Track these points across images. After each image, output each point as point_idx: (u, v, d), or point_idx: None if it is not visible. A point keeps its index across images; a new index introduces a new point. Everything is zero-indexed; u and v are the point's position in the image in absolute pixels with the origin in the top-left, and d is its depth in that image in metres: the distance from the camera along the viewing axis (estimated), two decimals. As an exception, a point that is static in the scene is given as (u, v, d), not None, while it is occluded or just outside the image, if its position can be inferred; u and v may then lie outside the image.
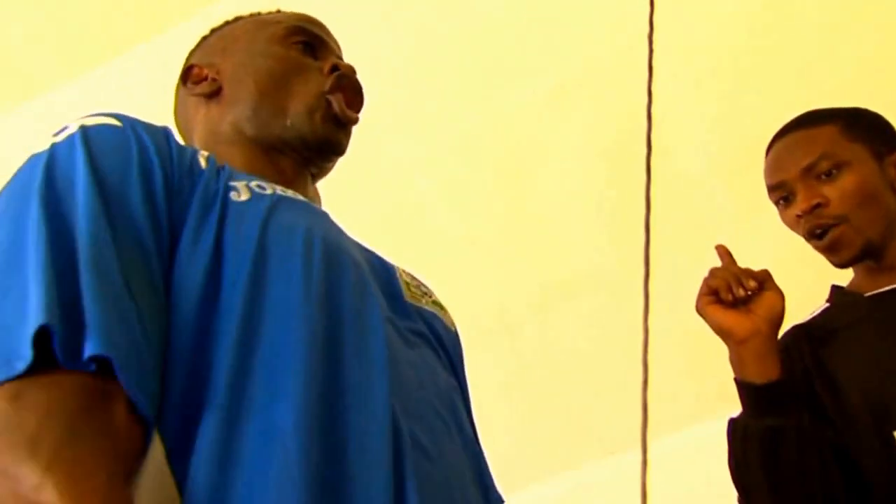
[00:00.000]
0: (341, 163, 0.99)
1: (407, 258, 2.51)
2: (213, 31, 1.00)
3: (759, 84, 2.27)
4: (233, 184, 0.77)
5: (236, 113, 0.90)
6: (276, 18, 0.96)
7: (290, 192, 0.82)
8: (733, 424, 1.12)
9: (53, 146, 0.71)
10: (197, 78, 0.94)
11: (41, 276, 0.61)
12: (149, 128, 0.77)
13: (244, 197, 0.76)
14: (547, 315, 2.59)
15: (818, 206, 1.17)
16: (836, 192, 1.17)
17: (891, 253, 1.18)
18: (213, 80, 0.93)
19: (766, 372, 1.06)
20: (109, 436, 0.58)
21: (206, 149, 0.87)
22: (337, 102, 0.90)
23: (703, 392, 2.45)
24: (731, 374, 1.11)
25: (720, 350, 1.12)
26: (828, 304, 1.26)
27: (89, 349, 0.58)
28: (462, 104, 2.36)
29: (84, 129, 0.73)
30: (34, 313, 0.58)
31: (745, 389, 1.08)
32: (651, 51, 1.01)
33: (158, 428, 0.63)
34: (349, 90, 0.91)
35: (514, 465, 2.69)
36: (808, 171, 1.19)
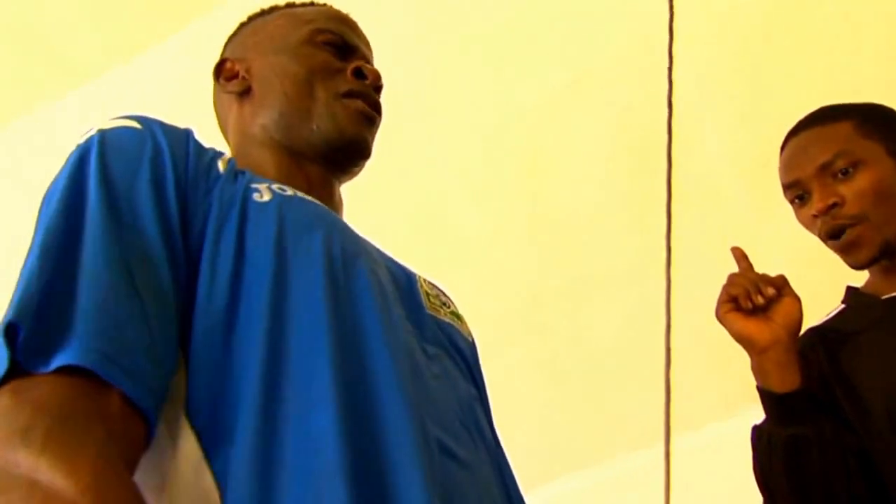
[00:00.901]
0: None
1: (430, 255, 2.53)
2: (250, 19, 1.02)
3: (781, 77, 2.25)
4: (254, 186, 0.79)
5: (265, 115, 0.92)
6: (309, 16, 0.98)
7: (309, 197, 0.83)
8: (757, 432, 1.11)
9: (75, 150, 0.74)
10: (229, 73, 0.97)
11: (31, 279, 0.63)
12: (168, 130, 0.78)
13: (266, 197, 0.78)
14: (572, 309, 2.58)
15: (834, 205, 1.15)
16: (853, 192, 1.15)
17: None
18: (244, 78, 0.95)
19: (787, 381, 1.06)
20: (102, 421, 0.59)
21: (238, 147, 0.94)
22: (357, 104, 0.92)
23: (729, 389, 2.43)
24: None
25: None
26: (843, 306, 1.24)
27: (62, 359, 0.59)
28: (483, 98, 2.35)
29: (102, 134, 0.75)
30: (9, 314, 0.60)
31: (768, 398, 1.07)
32: (671, 39, 1.01)
33: (193, 428, 0.65)
34: (367, 102, 0.93)
35: (542, 459, 2.69)
36: (824, 170, 1.17)
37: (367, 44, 1.01)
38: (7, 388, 0.58)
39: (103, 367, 0.59)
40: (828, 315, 1.25)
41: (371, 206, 0.97)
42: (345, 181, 0.96)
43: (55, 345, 0.60)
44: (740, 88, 2.33)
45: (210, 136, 0.89)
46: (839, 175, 1.16)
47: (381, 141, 1.02)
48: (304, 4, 1.02)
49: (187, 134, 0.80)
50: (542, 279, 2.59)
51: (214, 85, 0.99)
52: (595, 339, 2.60)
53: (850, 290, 1.24)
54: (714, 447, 2.44)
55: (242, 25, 1.02)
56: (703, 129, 2.38)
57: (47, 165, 0.77)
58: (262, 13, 1.01)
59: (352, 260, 0.76)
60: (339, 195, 0.96)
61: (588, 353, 2.61)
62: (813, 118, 1.24)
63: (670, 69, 1.15)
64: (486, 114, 2.38)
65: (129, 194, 0.71)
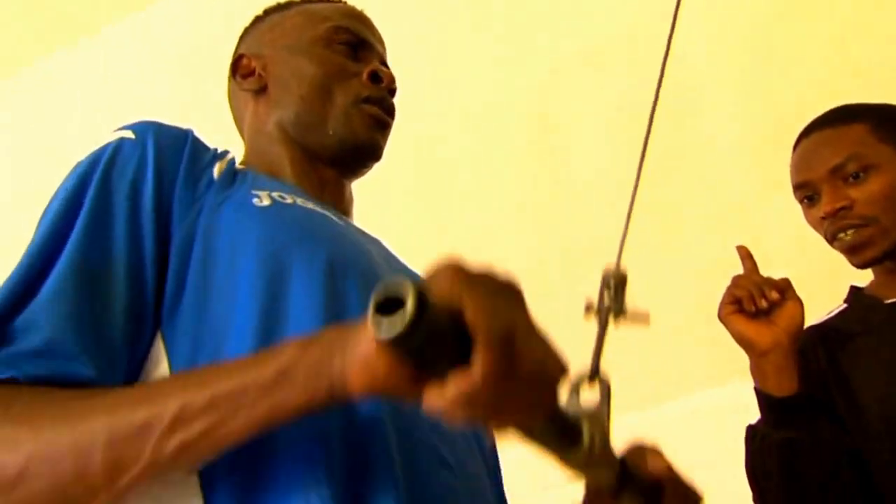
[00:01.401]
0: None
1: (435, 221, 2.53)
2: (266, 13, 1.02)
3: (792, 50, 2.23)
4: (255, 192, 0.79)
5: (281, 115, 0.94)
6: (325, 13, 0.99)
7: (310, 204, 0.84)
8: (752, 431, 1.12)
9: (84, 160, 0.77)
10: (245, 70, 0.98)
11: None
12: (161, 140, 0.78)
13: (265, 203, 0.79)
14: (573, 275, 2.59)
15: (843, 209, 1.15)
16: (863, 195, 1.15)
17: None
18: (260, 76, 0.97)
19: (785, 385, 1.07)
20: None
21: (253, 142, 0.96)
22: (372, 109, 0.94)
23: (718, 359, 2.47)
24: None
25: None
26: (845, 305, 1.25)
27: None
28: (492, 68, 2.34)
29: (118, 144, 0.77)
30: None
31: (765, 400, 1.09)
32: (677, 7, 1.01)
33: None
34: (382, 107, 0.95)
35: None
36: (835, 172, 1.17)
37: (381, 40, 1.03)
38: None
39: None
40: (829, 313, 1.26)
41: (377, 171, 0.98)
42: (354, 180, 0.98)
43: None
44: (750, 61, 2.31)
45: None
46: (850, 178, 1.16)
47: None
48: (321, 0, 1.03)
49: (185, 138, 0.81)
50: (545, 244, 2.59)
51: (230, 81, 1.00)
52: (574, 305, 2.60)
53: (853, 290, 1.25)
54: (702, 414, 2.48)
55: (258, 20, 1.02)
56: (708, 99, 2.37)
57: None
58: (279, 7, 1.02)
59: (341, 275, 0.75)
60: (350, 192, 0.98)
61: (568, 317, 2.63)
62: (827, 119, 1.24)
63: (670, 38, 1.15)
64: (495, 83, 2.36)
65: (110, 208, 0.73)
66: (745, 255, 1.14)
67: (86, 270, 0.68)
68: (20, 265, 0.68)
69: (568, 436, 0.63)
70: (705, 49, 2.24)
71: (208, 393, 0.58)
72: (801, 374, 1.09)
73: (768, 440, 1.08)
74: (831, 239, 1.18)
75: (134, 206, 0.73)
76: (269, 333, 0.68)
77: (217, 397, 0.57)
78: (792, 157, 1.26)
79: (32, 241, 0.71)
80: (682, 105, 2.29)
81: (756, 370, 1.09)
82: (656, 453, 0.77)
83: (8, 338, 0.64)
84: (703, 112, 2.33)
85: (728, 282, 2.39)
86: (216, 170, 0.81)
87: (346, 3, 1.05)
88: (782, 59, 2.24)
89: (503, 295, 0.53)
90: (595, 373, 0.79)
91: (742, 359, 1.12)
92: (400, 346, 0.49)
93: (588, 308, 0.85)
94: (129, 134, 0.78)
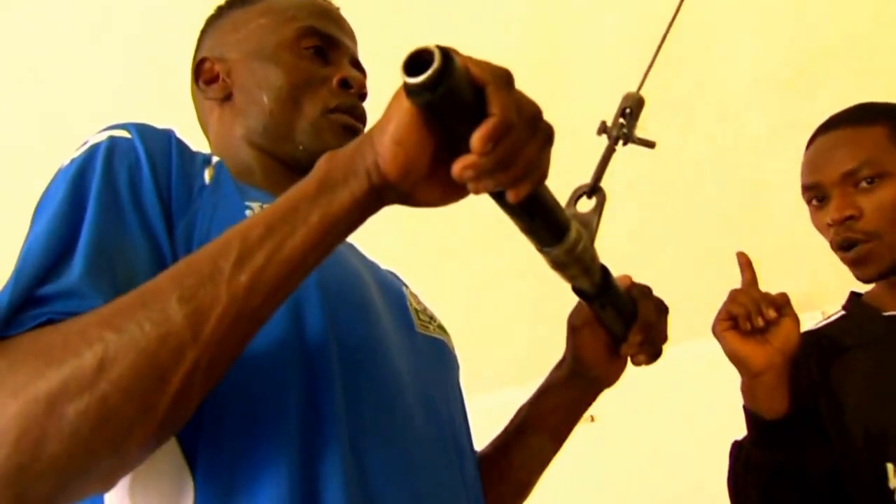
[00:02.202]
0: (375, 58, 0.99)
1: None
2: (229, 7, 0.97)
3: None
4: (248, 203, 0.78)
5: (248, 125, 0.91)
6: (291, 14, 0.93)
7: None
8: (737, 447, 1.11)
9: (77, 157, 0.74)
10: (208, 76, 0.94)
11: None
12: (148, 137, 0.77)
13: None
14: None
15: (851, 217, 1.11)
16: (873, 205, 1.11)
17: None
18: (224, 82, 0.93)
19: (774, 407, 1.04)
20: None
21: (220, 152, 0.91)
22: (343, 118, 0.90)
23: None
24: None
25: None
26: (843, 313, 1.22)
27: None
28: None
29: (111, 141, 0.75)
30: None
31: (752, 420, 1.06)
32: None
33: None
34: (353, 115, 0.91)
35: (525, 362, 2.77)
36: (848, 178, 1.12)
37: (352, 34, 0.98)
38: None
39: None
40: (826, 319, 1.24)
41: (381, 91, 0.95)
42: None
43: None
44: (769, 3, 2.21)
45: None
46: (862, 184, 1.12)
47: (396, 27, 0.96)
48: None
49: (169, 138, 0.79)
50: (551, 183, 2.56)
51: (193, 86, 0.96)
52: (598, 247, 2.59)
53: (853, 298, 1.23)
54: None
55: (221, 16, 0.97)
56: (723, 39, 2.28)
57: None
58: (243, 1, 0.96)
59: (334, 295, 0.76)
60: None
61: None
62: (846, 117, 1.18)
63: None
64: (500, 9, 2.27)
65: (118, 194, 0.71)
66: (745, 263, 1.10)
67: (109, 247, 0.67)
68: (35, 245, 0.65)
69: (558, 230, 0.71)
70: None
71: (262, 224, 0.60)
72: (793, 381, 1.06)
73: (752, 461, 1.07)
74: (836, 248, 1.15)
75: (138, 197, 0.72)
76: None
77: (271, 224, 0.60)
78: (805, 153, 1.21)
79: (38, 225, 0.68)
80: (696, 41, 2.20)
81: (746, 390, 1.06)
82: (626, 276, 0.90)
83: (41, 302, 0.61)
84: (718, 51, 2.25)
85: (733, 223, 2.35)
86: (207, 175, 0.79)
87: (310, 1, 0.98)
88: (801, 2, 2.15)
89: (502, 69, 0.59)
90: (595, 186, 0.86)
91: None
92: (429, 94, 0.54)
93: (601, 129, 0.92)
94: (122, 132, 0.76)
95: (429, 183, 0.62)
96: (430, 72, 0.53)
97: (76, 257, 0.64)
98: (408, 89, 0.55)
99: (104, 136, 0.75)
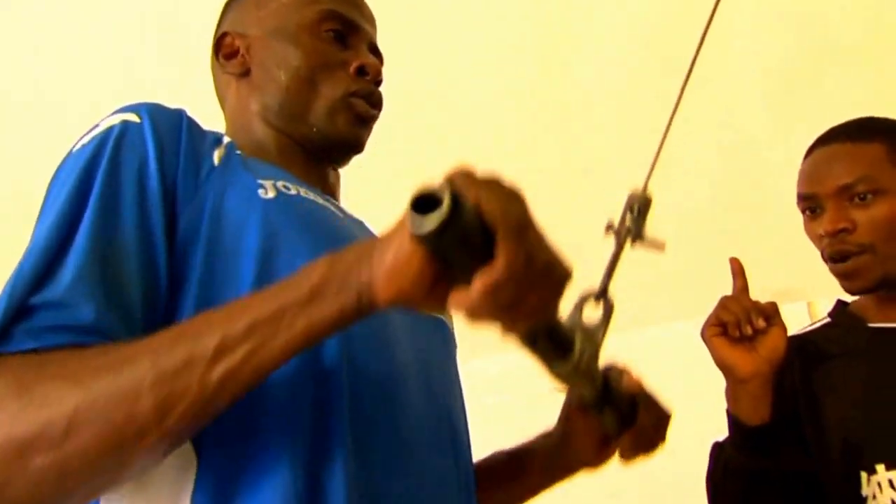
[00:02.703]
0: (386, 25, 1.01)
1: (436, 132, 2.48)
2: None
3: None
4: (260, 180, 0.79)
5: (264, 101, 0.93)
6: None
7: (312, 195, 0.84)
8: (718, 449, 1.14)
9: (92, 140, 0.75)
10: (228, 50, 0.95)
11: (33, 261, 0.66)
12: (160, 119, 0.77)
13: (270, 194, 0.79)
14: (567, 193, 2.57)
15: (844, 230, 1.13)
16: (867, 219, 1.13)
17: None
18: (243, 58, 0.94)
19: (757, 414, 1.06)
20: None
21: (236, 124, 0.94)
22: (359, 105, 0.92)
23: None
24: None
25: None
26: (829, 320, 1.25)
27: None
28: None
29: (123, 127, 0.75)
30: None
31: (735, 424, 1.09)
32: None
33: None
34: (369, 101, 0.93)
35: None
36: (843, 191, 1.14)
37: (372, 20, 0.99)
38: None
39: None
40: (812, 325, 1.26)
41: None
42: (339, 166, 0.98)
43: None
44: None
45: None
46: (857, 199, 1.14)
47: (397, 8, 0.96)
48: None
49: (181, 119, 0.79)
50: (545, 168, 2.56)
51: (213, 59, 0.98)
52: (580, 225, 2.61)
53: (839, 306, 1.25)
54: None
55: None
56: (735, 31, 2.28)
57: None
58: None
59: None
60: (336, 174, 0.97)
61: (576, 238, 2.63)
62: (845, 130, 1.20)
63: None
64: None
65: (120, 190, 0.72)
66: (738, 270, 1.12)
67: (103, 252, 0.67)
68: (36, 244, 0.67)
69: (562, 347, 0.69)
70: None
71: (247, 319, 0.60)
72: (775, 386, 1.09)
73: (732, 464, 1.10)
74: (827, 259, 1.17)
75: (142, 191, 0.72)
76: None
77: (256, 322, 0.60)
78: (803, 163, 1.23)
79: (42, 221, 0.70)
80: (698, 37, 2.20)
81: (731, 395, 1.09)
82: (630, 374, 0.87)
83: (29, 313, 0.63)
84: (720, 47, 2.24)
85: (727, 211, 2.36)
86: (216, 156, 0.80)
87: None
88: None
89: (513, 196, 0.57)
90: (603, 292, 0.83)
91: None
92: (436, 240, 0.53)
93: (608, 227, 0.88)
94: (132, 117, 0.76)
95: (425, 298, 0.60)
96: (436, 221, 0.51)
97: (69, 264, 0.65)
98: (413, 234, 0.54)
99: (116, 120, 0.76)
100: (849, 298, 1.24)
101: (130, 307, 0.67)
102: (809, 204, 1.19)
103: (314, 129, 0.90)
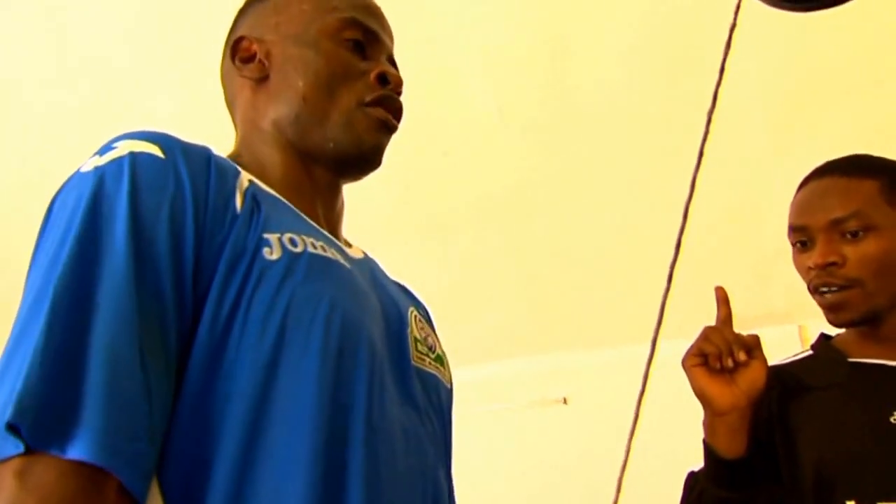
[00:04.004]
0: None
1: (436, 126, 2.49)
2: None
3: (819, 24, 2.13)
4: (266, 236, 0.75)
5: (279, 111, 0.89)
6: (334, 4, 0.92)
7: (319, 248, 0.79)
8: (693, 478, 1.14)
9: (100, 170, 0.70)
10: (245, 54, 0.93)
11: (38, 348, 0.60)
12: (190, 159, 0.74)
13: (276, 255, 0.74)
14: (569, 198, 2.58)
15: (833, 264, 1.14)
16: (857, 255, 1.13)
17: (887, 324, 1.16)
18: (261, 63, 0.91)
19: (733, 447, 1.07)
20: None
21: (246, 134, 0.91)
22: (378, 112, 0.90)
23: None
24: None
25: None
26: (810, 352, 1.25)
27: (76, 452, 0.58)
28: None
29: (133, 157, 0.71)
30: (8, 401, 0.58)
31: (710, 455, 1.09)
32: None
33: (163, 494, 0.65)
34: (389, 108, 0.91)
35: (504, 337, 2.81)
36: (835, 226, 1.15)
37: (391, 33, 0.98)
38: (11, 465, 0.57)
39: (110, 461, 0.59)
40: (794, 356, 1.26)
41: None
42: (349, 182, 0.95)
43: (63, 428, 0.58)
44: (779, 26, 2.22)
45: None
46: (848, 235, 1.14)
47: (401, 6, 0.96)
48: None
49: (208, 158, 0.76)
50: (543, 165, 2.58)
51: (226, 60, 0.94)
52: (587, 232, 2.61)
53: (822, 339, 1.26)
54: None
55: None
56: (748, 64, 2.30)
57: None
58: None
59: (353, 336, 0.74)
60: (342, 198, 0.95)
61: (575, 246, 2.64)
62: (840, 166, 1.20)
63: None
64: (508, 3, 2.26)
65: (151, 238, 0.67)
66: (722, 299, 1.13)
67: (142, 331, 0.63)
68: (51, 314, 0.61)
69: None
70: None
71: None
72: (753, 416, 1.09)
73: (706, 496, 1.10)
74: (814, 290, 1.17)
75: (177, 242, 0.68)
76: (260, 422, 0.68)
77: None
78: (796, 195, 1.23)
79: (43, 271, 0.64)
80: (703, 61, 2.21)
81: (708, 425, 1.09)
82: None
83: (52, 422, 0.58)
84: (732, 64, 2.26)
85: (721, 233, 2.35)
86: (238, 200, 0.76)
87: None
88: (812, 29, 2.16)
89: None
90: None
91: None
92: None
93: None
94: (153, 149, 0.72)
95: None
96: None
97: (87, 398, 0.60)
98: None
99: (132, 147, 0.71)
100: (833, 331, 1.24)
101: (151, 412, 0.63)
102: (800, 236, 1.20)
103: (330, 142, 0.88)
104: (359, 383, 0.73)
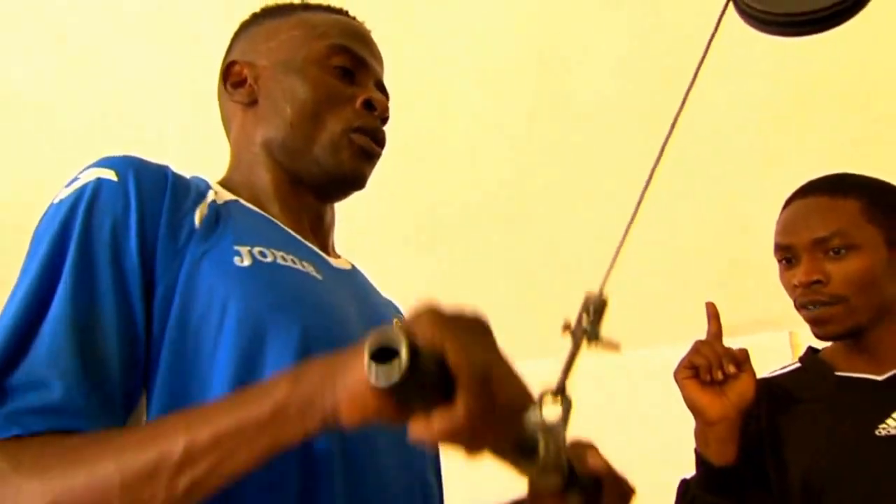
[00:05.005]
0: (382, 38, 1.01)
1: (429, 131, 2.51)
2: (264, 15, 0.99)
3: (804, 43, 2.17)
4: (236, 247, 0.79)
5: (267, 134, 0.92)
6: (323, 28, 0.95)
7: (290, 258, 0.82)
8: (684, 486, 1.18)
9: (65, 201, 0.75)
10: (236, 79, 0.96)
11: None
12: (142, 178, 0.77)
13: (245, 262, 0.78)
14: (558, 208, 2.61)
15: (817, 282, 1.18)
16: (840, 273, 1.17)
17: (872, 337, 1.20)
18: (251, 87, 0.94)
19: (724, 456, 1.11)
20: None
21: (239, 153, 0.95)
22: (362, 140, 0.92)
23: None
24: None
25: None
26: (798, 365, 1.29)
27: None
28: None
29: (93, 184, 0.75)
30: None
31: (702, 464, 1.14)
32: None
33: None
34: (373, 136, 0.94)
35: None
36: (818, 244, 1.19)
37: (380, 58, 1.00)
38: None
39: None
40: (782, 369, 1.30)
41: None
42: (336, 201, 0.98)
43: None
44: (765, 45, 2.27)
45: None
46: (831, 253, 1.18)
47: (394, 17, 0.97)
48: (320, 8, 0.99)
49: (164, 176, 0.79)
50: (536, 174, 2.61)
51: (220, 87, 0.98)
52: (575, 240, 2.64)
53: (809, 352, 1.30)
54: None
55: (255, 22, 0.99)
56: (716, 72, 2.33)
57: None
58: (278, 11, 0.98)
59: (315, 349, 0.76)
60: (331, 215, 0.98)
61: (565, 254, 2.67)
62: (823, 185, 1.24)
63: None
64: (499, 10, 2.30)
65: (95, 252, 0.72)
66: (713, 314, 1.17)
67: (78, 324, 0.68)
68: (7, 318, 0.68)
69: (526, 449, 0.70)
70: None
71: (210, 431, 0.60)
72: (742, 428, 1.13)
73: (697, 502, 1.14)
74: (800, 307, 1.21)
75: (117, 258, 0.72)
76: None
77: (219, 435, 0.60)
78: (781, 214, 1.27)
79: (17, 290, 0.70)
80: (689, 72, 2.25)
81: (699, 436, 1.13)
82: (595, 450, 0.87)
83: (6, 395, 0.64)
84: (709, 82, 2.29)
85: (712, 241, 2.38)
86: (197, 216, 0.80)
87: (347, 14, 1.00)
88: (800, 43, 2.19)
89: (478, 336, 0.58)
90: (561, 389, 0.84)
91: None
92: (393, 391, 0.53)
93: (565, 327, 0.89)
94: (110, 174, 0.76)
95: (390, 421, 0.60)
96: (393, 376, 0.52)
97: (41, 341, 0.66)
98: (371, 384, 0.54)
99: (91, 176, 0.76)
100: (820, 344, 1.28)
101: (109, 381, 0.68)
102: (786, 254, 1.24)
103: (316, 163, 0.91)
104: None
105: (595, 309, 0.87)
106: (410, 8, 2.27)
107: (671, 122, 1.07)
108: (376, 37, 1.03)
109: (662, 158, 1.13)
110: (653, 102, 2.45)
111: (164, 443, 0.61)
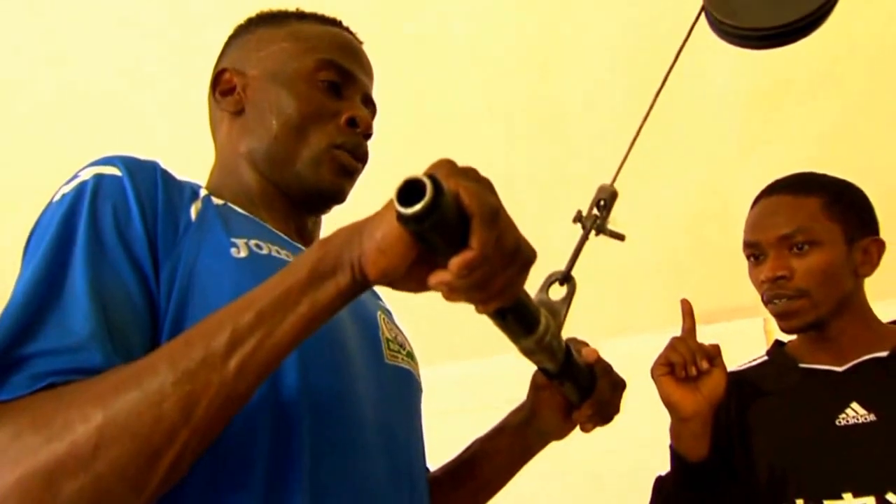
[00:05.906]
0: (378, 33, 1.02)
1: (423, 125, 2.53)
2: (257, 23, 1.00)
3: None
4: (234, 239, 0.81)
5: (252, 144, 0.94)
6: (313, 43, 0.97)
7: (284, 253, 0.84)
8: (659, 483, 1.23)
9: (67, 196, 0.76)
10: (225, 87, 0.97)
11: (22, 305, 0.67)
12: (137, 172, 0.79)
13: (242, 254, 0.80)
14: (548, 205, 2.65)
15: (782, 277, 1.23)
16: (803, 268, 1.22)
17: (834, 330, 1.25)
18: (239, 96, 0.96)
19: (697, 451, 1.15)
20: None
21: (222, 164, 0.96)
22: (343, 157, 0.94)
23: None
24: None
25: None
26: (766, 358, 1.34)
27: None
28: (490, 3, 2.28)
29: (94, 179, 0.77)
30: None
31: (676, 460, 1.18)
32: None
33: None
34: (355, 153, 0.95)
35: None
36: (783, 241, 1.24)
37: (370, 71, 1.01)
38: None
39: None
40: (751, 362, 1.36)
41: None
42: (320, 215, 1.00)
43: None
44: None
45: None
46: (795, 249, 1.23)
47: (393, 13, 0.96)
48: (314, 18, 1.00)
49: (153, 170, 0.81)
50: (526, 164, 2.64)
51: (209, 94, 0.99)
52: (570, 233, 2.68)
53: (776, 345, 1.35)
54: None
55: (248, 29, 1.00)
56: (709, 56, 2.37)
57: None
58: (271, 19, 0.99)
59: (325, 343, 0.79)
60: (317, 222, 1.00)
61: (559, 247, 2.71)
62: (788, 184, 1.29)
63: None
64: (492, 15, 2.32)
65: (104, 237, 0.74)
66: (687, 311, 1.20)
67: (101, 297, 0.68)
68: (18, 297, 0.67)
69: (528, 323, 0.75)
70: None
71: (254, 310, 0.62)
72: (713, 444, 1.17)
73: (673, 498, 1.18)
74: (767, 301, 1.26)
75: (125, 239, 0.74)
76: None
77: (262, 311, 0.62)
78: (749, 213, 1.32)
79: (24, 273, 0.71)
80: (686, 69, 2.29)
81: (674, 431, 1.17)
82: (587, 345, 0.93)
83: (26, 362, 0.63)
84: (694, 68, 2.33)
85: (693, 230, 2.41)
86: (193, 211, 0.82)
87: (339, 26, 1.02)
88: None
89: (487, 187, 0.61)
90: (567, 274, 0.92)
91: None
92: (418, 223, 0.57)
93: (577, 218, 0.98)
94: (109, 170, 0.78)
95: (408, 277, 0.64)
96: (420, 206, 0.55)
97: (64, 309, 0.66)
98: (398, 217, 0.58)
99: (91, 173, 0.77)
100: (786, 338, 1.33)
101: (132, 351, 0.68)
102: (753, 251, 1.29)
103: (297, 178, 0.92)
104: (330, 380, 0.79)
105: (606, 201, 0.95)
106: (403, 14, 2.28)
107: (645, 115, 1.12)
108: (368, 34, 1.03)
109: (638, 139, 1.18)
110: (644, 96, 2.49)
111: (210, 334, 0.62)
